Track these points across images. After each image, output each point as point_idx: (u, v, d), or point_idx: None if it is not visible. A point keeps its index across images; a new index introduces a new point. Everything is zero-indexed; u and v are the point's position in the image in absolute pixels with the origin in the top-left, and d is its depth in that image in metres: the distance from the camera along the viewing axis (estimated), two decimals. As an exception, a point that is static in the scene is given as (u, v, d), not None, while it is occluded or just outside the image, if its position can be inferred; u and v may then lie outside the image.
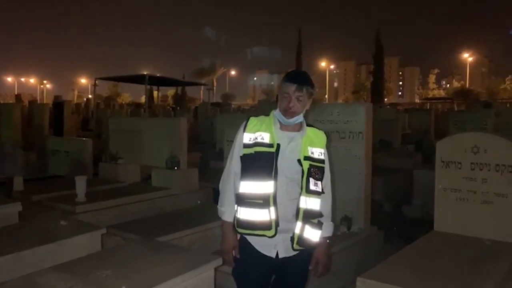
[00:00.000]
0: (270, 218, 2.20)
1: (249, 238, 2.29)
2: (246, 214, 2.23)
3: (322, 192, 2.31)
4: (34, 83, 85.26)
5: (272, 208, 2.20)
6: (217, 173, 2.61)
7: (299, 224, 2.25)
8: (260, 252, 2.28)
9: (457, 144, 3.78)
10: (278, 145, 2.24)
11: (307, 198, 2.25)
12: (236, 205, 2.29)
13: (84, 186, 4.96)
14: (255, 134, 2.26)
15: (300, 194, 2.25)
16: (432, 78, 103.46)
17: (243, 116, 9.67)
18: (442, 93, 79.56)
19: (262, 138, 2.24)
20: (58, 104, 14.88)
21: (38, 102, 36.20)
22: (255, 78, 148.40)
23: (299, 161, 2.25)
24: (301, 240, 2.25)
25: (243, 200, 2.24)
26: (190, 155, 6.75)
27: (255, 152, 2.22)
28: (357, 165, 4.45)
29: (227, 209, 2.33)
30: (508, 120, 10.94)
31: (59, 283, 2.38)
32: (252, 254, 2.29)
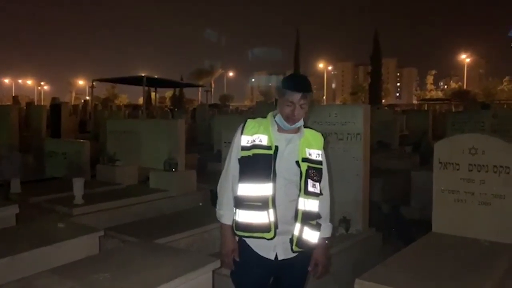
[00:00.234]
0: (269, 220, 2.19)
1: (248, 240, 2.29)
2: (244, 216, 2.22)
3: (320, 193, 2.31)
4: (31, 85, 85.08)
5: (271, 210, 2.20)
6: (215, 175, 2.60)
7: (298, 225, 2.25)
8: (259, 254, 2.28)
9: (455, 145, 3.78)
10: (276, 147, 2.23)
11: (306, 200, 2.25)
12: (234, 208, 2.28)
13: (82, 188, 4.94)
14: (253, 137, 2.26)
15: (299, 196, 2.25)
16: (429, 79, 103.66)
17: (241, 117, 9.67)
18: (439, 94, 79.77)
19: (260, 141, 2.24)
20: (56, 106, 14.85)
21: (36, 104, 36.17)
22: (253, 80, 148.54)
23: (297, 162, 2.25)
24: (300, 242, 2.25)
25: (241, 203, 2.23)
26: (188, 156, 6.74)
27: (253, 154, 2.22)
28: (355, 167, 4.44)
29: (225, 212, 2.32)
30: (505, 121, 10.95)
31: (56, 286, 2.37)
32: (251, 256, 2.29)
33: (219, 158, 6.82)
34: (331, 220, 2.49)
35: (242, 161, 2.26)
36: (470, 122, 10.59)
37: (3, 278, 2.63)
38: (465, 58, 71.83)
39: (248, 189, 2.21)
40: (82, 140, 8.02)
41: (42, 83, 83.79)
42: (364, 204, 4.51)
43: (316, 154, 2.31)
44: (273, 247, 2.27)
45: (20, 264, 2.94)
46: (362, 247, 4.33)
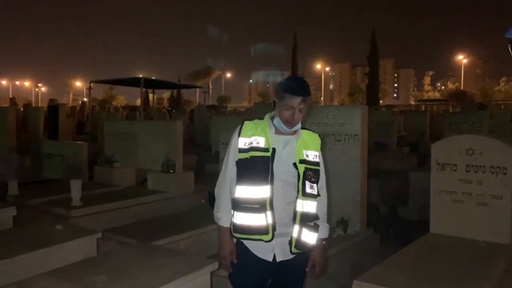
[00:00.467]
0: (267, 222, 2.20)
1: (246, 242, 2.29)
2: (242, 219, 2.23)
3: (318, 194, 2.32)
4: (29, 86, 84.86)
5: (269, 213, 2.20)
6: (213, 176, 2.60)
7: (296, 227, 2.25)
8: (257, 256, 2.28)
9: (452, 146, 3.79)
10: (274, 149, 2.23)
11: (304, 201, 2.25)
12: (232, 210, 2.28)
13: (80, 190, 4.93)
14: (250, 139, 2.25)
15: (297, 198, 2.25)
16: (427, 80, 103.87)
17: (238, 118, 9.68)
18: (437, 95, 79.92)
19: (258, 143, 2.24)
20: (53, 108, 14.81)
21: (33, 105, 36.10)
22: (250, 81, 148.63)
23: (294, 164, 2.25)
24: (299, 244, 2.26)
25: (239, 205, 2.23)
26: (186, 157, 6.73)
27: (250, 157, 2.22)
28: (353, 168, 4.45)
29: (223, 214, 2.32)
30: (502, 121, 10.99)
31: (54, 289, 2.36)
32: (249, 258, 2.29)
33: (217, 159, 6.81)
34: (329, 221, 2.49)
35: (240, 163, 2.26)
36: (468, 122, 10.63)
37: (1, 280, 2.62)
38: (462, 59, 72.04)
39: (246, 191, 2.21)
40: (79, 142, 8.00)
41: (39, 84, 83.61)
42: (362, 205, 4.51)
43: (313, 155, 2.32)
44: (271, 248, 2.27)
45: (17, 266, 2.93)
46: (360, 248, 4.33)
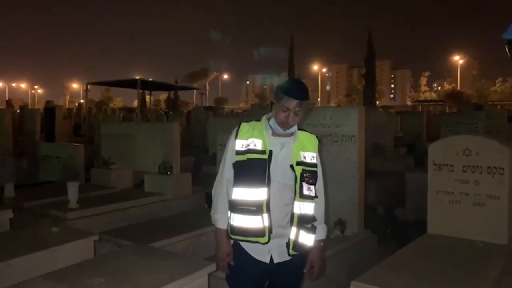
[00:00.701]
0: (263, 225, 2.19)
1: (243, 244, 2.29)
2: (239, 220, 2.22)
3: (316, 196, 2.31)
4: (25, 88, 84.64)
5: (265, 215, 2.19)
6: (210, 178, 2.60)
7: (294, 229, 2.25)
8: (254, 258, 2.27)
9: (449, 147, 3.80)
10: (270, 151, 2.23)
11: (301, 203, 2.25)
12: (229, 212, 2.28)
13: (76, 192, 4.92)
14: (247, 141, 2.25)
15: (294, 199, 2.25)
16: (423, 80, 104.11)
17: (235, 120, 9.67)
18: (433, 95, 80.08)
19: (255, 145, 2.23)
20: (50, 110, 14.76)
21: (29, 107, 35.99)
22: (247, 82, 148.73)
23: (291, 166, 2.25)
24: (296, 246, 2.25)
25: (236, 207, 2.23)
26: (183, 159, 6.73)
27: (247, 159, 2.22)
28: (350, 169, 4.45)
29: (220, 216, 2.32)
30: (499, 122, 11.03)
31: (51, 291, 2.35)
32: (246, 260, 2.29)
33: (214, 160, 6.82)
34: (326, 222, 2.49)
35: (237, 165, 2.26)
36: (464, 123, 10.66)
37: (-3, 283, 2.61)
38: (458, 59, 72.29)
39: (243, 193, 2.21)
40: (76, 144, 7.98)
41: (36, 86, 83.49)
42: (360, 206, 4.51)
43: (311, 157, 2.31)
44: (268, 250, 2.26)
45: (14, 269, 2.92)
46: (358, 249, 4.33)
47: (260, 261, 2.27)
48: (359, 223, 4.50)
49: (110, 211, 5.09)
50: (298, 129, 2.34)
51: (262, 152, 2.22)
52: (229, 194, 2.29)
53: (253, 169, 2.20)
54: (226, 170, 2.32)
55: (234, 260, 2.33)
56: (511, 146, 3.62)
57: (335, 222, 4.28)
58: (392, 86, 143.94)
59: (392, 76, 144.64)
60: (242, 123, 2.33)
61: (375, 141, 10.52)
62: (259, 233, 2.20)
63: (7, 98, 49.93)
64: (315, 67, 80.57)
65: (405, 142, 12.27)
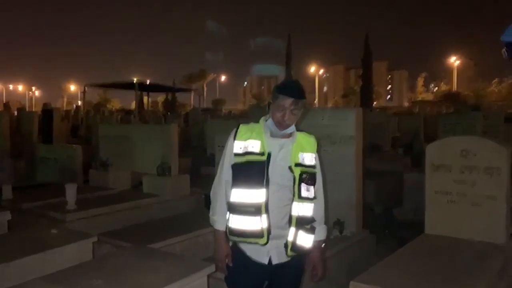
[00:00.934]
0: (262, 226, 2.19)
1: (241, 245, 2.29)
2: (238, 222, 2.22)
3: (315, 197, 2.32)
4: (22, 91, 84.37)
5: (264, 216, 2.20)
6: (209, 179, 2.60)
7: (292, 230, 2.25)
8: (252, 259, 2.27)
9: (447, 147, 3.81)
10: (269, 153, 2.23)
11: (300, 204, 2.25)
12: (228, 213, 2.28)
13: (75, 194, 4.91)
14: (245, 143, 2.25)
15: (293, 201, 2.25)
16: (420, 81, 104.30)
17: (233, 121, 9.67)
18: (430, 96, 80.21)
19: (253, 147, 2.24)
20: (47, 111, 14.75)
21: (27, 109, 35.91)
22: (245, 83, 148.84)
23: (290, 168, 2.25)
24: (295, 247, 2.25)
25: (234, 208, 2.23)
26: (181, 160, 6.73)
27: (246, 161, 2.22)
28: (348, 169, 4.46)
29: (219, 218, 2.32)
30: (496, 122, 11.05)
31: (50, 293, 2.35)
32: (244, 261, 2.29)
33: (212, 161, 6.82)
34: (326, 223, 2.50)
35: (235, 167, 2.26)
36: (461, 124, 10.68)
37: (-5, 286, 2.60)
38: (455, 60, 72.47)
39: (241, 195, 2.21)
40: (74, 145, 7.98)
41: (33, 88, 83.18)
42: (358, 206, 4.52)
43: (309, 158, 2.32)
44: (266, 251, 2.26)
45: (12, 271, 2.91)
46: (356, 249, 4.34)
47: (259, 263, 2.27)
48: (358, 223, 4.52)
49: (109, 212, 5.09)
50: (297, 130, 2.35)
51: (261, 153, 2.23)
52: (227, 195, 2.29)
53: (252, 170, 2.21)
54: (224, 172, 2.33)
55: (233, 262, 2.33)
56: (508, 146, 3.64)
57: (333, 223, 4.29)
58: (389, 87, 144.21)
59: (389, 77, 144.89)
60: (241, 125, 2.34)
61: (372, 142, 10.55)
62: (258, 234, 2.20)
63: (4, 101, 49.80)
64: (313, 69, 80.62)
65: (403, 142, 12.29)
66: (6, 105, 34.41)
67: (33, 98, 77.18)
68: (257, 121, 2.35)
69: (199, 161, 8.96)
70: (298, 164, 2.26)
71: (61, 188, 5.03)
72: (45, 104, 23.36)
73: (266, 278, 2.37)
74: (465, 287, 2.75)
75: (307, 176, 2.27)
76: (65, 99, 75.95)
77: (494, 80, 76.39)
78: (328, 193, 2.70)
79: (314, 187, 2.31)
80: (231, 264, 2.33)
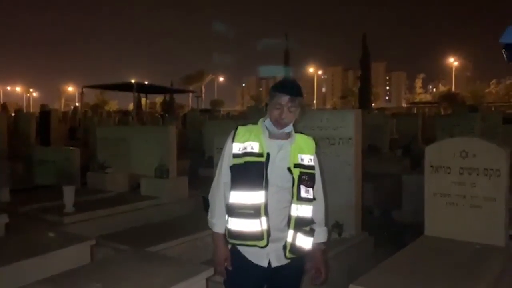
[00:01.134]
0: (262, 228, 2.18)
1: (240, 248, 2.27)
2: (237, 224, 2.21)
3: (314, 198, 2.31)
4: (20, 92, 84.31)
5: (263, 218, 2.19)
6: (207, 181, 2.59)
7: (291, 232, 2.24)
8: (252, 262, 2.26)
9: (446, 149, 3.81)
10: (268, 154, 2.22)
11: (299, 206, 2.24)
12: (227, 216, 2.27)
13: (73, 196, 4.89)
14: (244, 144, 2.25)
15: (291, 202, 2.24)
16: (418, 82, 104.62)
17: (232, 123, 9.66)
18: (428, 97, 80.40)
19: (252, 148, 2.23)
20: (45, 113, 14.72)
21: (25, 111, 35.82)
22: (243, 84, 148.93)
23: (289, 169, 2.25)
24: (293, 248, 2.25)
25: (233, 211, 2.22)
26: (179, 162, 6.70)
27: (245, 162, 2.21)
28: (347, 171, 4.45)
29: (217, 220, 2.31)
30: (494, 124, 11.06)
31: (47, 297, 2.33)
32: (244, 264, 2.27)
33: (210, 163, 6.81)
34: (326, 225, 2.49)
35: (234, 169, 2.25)
36: (460, 125, 10.68)
37: (-7, 289, 2.58)
38: (453, 61, 72.68)
39: (240, 197, 2.20)
40: (71, 148, 7.94)
41: (31, 89, 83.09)
42: (357, 209, 4.51)
43: (308, 159, 2.31)
44: (266, 254, 2.25)
45: (10, 275, 2.89)
46: (355, 252, 4.33)
47: (258, 265, 2.26)
48: (356, 225, 4.51)
49: (107, 215, 5.06)
50: (295, 132, 2.34)
51: (260, 154, 2.22)
52: (226, 197, 2.28)
53: (251, 172, 2.20)
54: (223, 174, 2.32)
55: (232, 265, 2.32)
56: (507, 148, 3.63)
57: (332, 225, 4.28)
58: (388, 88, 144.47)
59: (387, 78, 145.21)
60: (239, 126, 2.33)
61: (371, 143, 10.55)
62: (258, 237, 2.19)
63: (1, 102, 49.69)
64: (311, 70, 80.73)
65: (401, 144, 12.29)
66: (4, 107, 34.30)
67: (31, 100, 77.08)
68: (255, 123, 2.35)
69: (197, 163, 8.95)
70: (297, 165, 2.26)
71: (59, 191, 5.00)
72: (42, 106, 23.32)
73: (265, 281, 2.36)
74: (465, 289, 2.74)
75: (306, 177, 2.27)
76: (63, 101, 75.90)
77: (492, 81, 76.61)
78: (327, 195, 2.69)
79: (313, 188, 2.31)
80: (230, 268, 2.32)
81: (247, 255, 2.27)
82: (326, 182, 2.69)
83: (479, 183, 3.61)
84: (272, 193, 2.21)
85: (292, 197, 2.24)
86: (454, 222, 3.71)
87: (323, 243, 2.43)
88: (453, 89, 69.89)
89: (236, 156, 2.25)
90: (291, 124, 2.28)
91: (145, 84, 20.81)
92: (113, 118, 25.81)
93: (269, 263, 2.27)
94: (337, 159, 4.45)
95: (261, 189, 2.18)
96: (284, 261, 2.28)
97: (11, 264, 2.95)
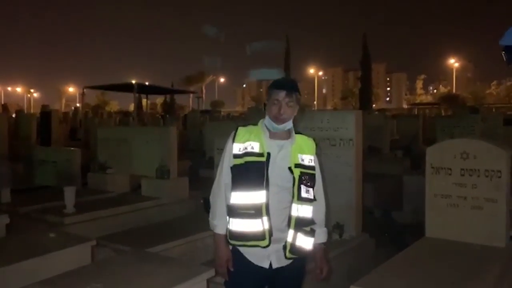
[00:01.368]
0: (263, 228, 2.18)
1: (242, 249, 2.27)
2: (238, 225, 2.21)
3: (314, 199, 2.31)
4: (21, 92, 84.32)
5: (265, 218, 2.19)
6: (208, 182, 2.59)
7: (291, 232, 2.24)
8: (253, 263, 2.26)
9: (447, 150, 3.81)
10: (268, 154, 2.23)
11: (299, 206, 2.24)
12: (228, 217, 2.27)
13: (73, 197, 4.89)
14: (244, 144, 2.25)
15: (292, 202, 2.24)
16: (419, 83, 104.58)
17: (232, 123, 9.66)
18: (429, 98, 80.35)
19: (252, 148, 2.23)
20: (46, 114, 14.72)
21: (25, 111, 35.85)
22: (244, 85, 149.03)
23: (289, 169, 2.25)
24: (293, 248, 2.24)
25: (235, 211, 2.22)
26: (180, 163, 6.71)
27: (245, 162, 2.21)
28: (348, 172, 4.45)
29: (219, 222, 2.30)
30: (494, 125, 11.06)
31: (48, 298, 2.33)
32: (245, 266, 2.27)
33: (211, 164, 6.81)
34: (327, 225, 2.49)
35: (235, 169, 2.25)
36: (460, 126, 10.69)
37: (-6, 290, 2.58)
38: (453, 62, 72.65)
39: (241, 197, 2.20)
40: (72, 148, 7.94)
41: (31, 90, 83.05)
42: (357, 210, 4.51)
43: (308, 159, 2.31)
44: (267, 255, 2.25)
45: (10, 276, 2.89)
46: (356, 253, 4.32)
47: (259, 267, 2.26)
48: (357, 226, 4.50)
49: (107, 215, 5.07)
50: (296, 133, 2.34)
51: (260, 154, 2.22)
52: (227, 198, 2.28)
53: (251, 172, 2.20)
54: (224, 174, 2.32)
55: (233, 266, 2.32)
56: (508, 149, 3.63)
57: (333, 226, 4.27)
58: (388, 89, 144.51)
59: (388, 79, 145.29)
60: (239, 127, 2.33)
61: (371, 144, 10.54)
62: (259, 237, 2.19)
63: (2, 102, 49.73)
64: (311, 71, 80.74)
65: (401, 144, 12.29)
66: (5, 107, 34.33)
67: (32, 100, 77.11)
68: (255, 123, 2.35)
69: (197, 164, 8.95)
70: (298, 165, 2.26)
71: (60, 191, 5.01)
72: (43, 106, 23.32)
73: (267, 282, 2.36)
74: (466, 291, 2.74)
75: (307, 177, 2.27)
76: (64, 101, 75.97)
77: (493, 83, 76.62)
78: (328, 196, 2.69)
79: (313, 189, 2.31)
80: (232, 269, 2.31)
81: (248, 256, 2.27)
82: (327, 182, 2.69)
83: (480, 184, 3.61)
84: (273, 193, 2.21)
85: (293, 197, 2.24)
86: (455, 223, 3.71)
87: (323, 243, 2.43)
88: (453, 90, 69.87)
89: (236, 156, 2.25)
90: (291, 120, 2.29)
91: (146, 84, 20.79)
92: (114, 118, 25.84)
93: (270, 264, 2.26)
94: (338, 160, 4.45)
95: (262, 189, 2.18)
96: (285, 262, 2.28)
97: (12, 264, 2.95)
